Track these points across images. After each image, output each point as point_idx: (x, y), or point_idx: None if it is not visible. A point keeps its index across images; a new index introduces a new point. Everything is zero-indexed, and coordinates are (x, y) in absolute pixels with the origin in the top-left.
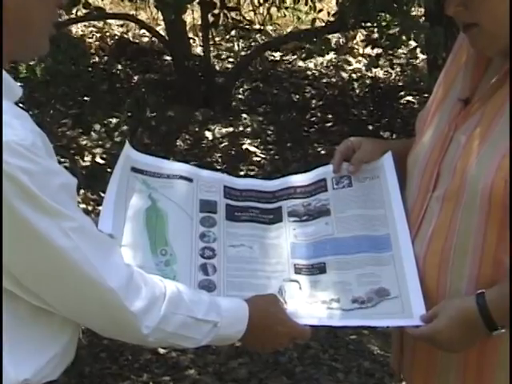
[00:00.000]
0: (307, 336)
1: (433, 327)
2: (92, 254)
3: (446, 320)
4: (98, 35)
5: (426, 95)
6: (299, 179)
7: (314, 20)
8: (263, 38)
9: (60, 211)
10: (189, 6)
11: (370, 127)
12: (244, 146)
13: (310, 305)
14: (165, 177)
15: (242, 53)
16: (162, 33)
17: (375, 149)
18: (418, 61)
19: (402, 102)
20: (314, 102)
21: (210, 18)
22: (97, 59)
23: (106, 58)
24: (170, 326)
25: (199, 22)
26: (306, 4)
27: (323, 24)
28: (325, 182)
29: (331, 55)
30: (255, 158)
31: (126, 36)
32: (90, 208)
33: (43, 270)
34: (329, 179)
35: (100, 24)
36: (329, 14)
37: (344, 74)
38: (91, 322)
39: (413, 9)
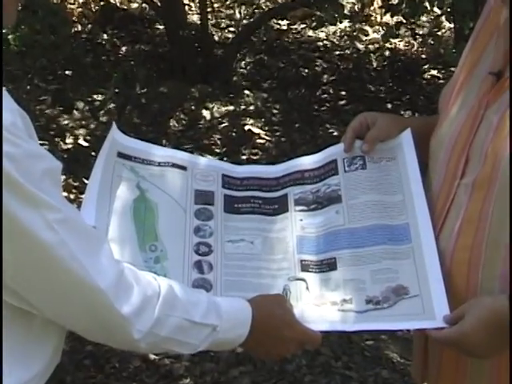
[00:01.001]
0: (318, 342)
1: (458, 330)
2: (79, 249)
3: (475, 321)
4: (81, 0)
5: (453, 69)
6: (306, 162)
7: None
8: (268, 4)
9: (44, 200)
10: None
11: (389, 105)
12: (246, 127)
13: (319, 307)
14: (155, 164)
15: (244, 21)
16: None
17: (393, 125)
18: (443, 30)
19: (425, 76)
20: (325, 76)
21: None
22: (79, 28)
23: (89, 26)
24: (164, 329)
25: None
26: None
27: None
28: (335, 164)
29: (345, 24)
30: (259, 141)
31: (112, 1)
32: (71, 196)
33: (25, 266)
34: (340, 160)
35: None
36: None
37: (359, 46)
38: (77, 325)
39: None
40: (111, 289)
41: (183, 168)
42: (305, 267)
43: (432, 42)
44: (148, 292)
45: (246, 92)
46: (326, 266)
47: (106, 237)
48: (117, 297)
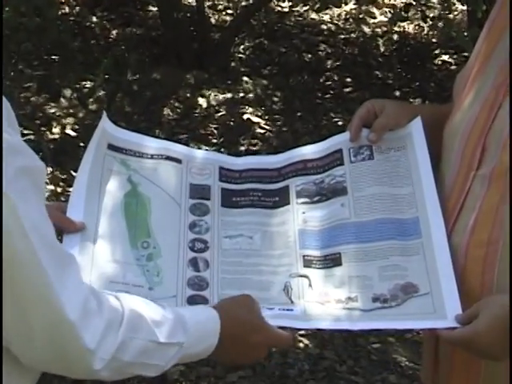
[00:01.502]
0: (289, 342)
1: (471, 329)
2: (50, 265)
3: (489, 320)
4: None
5: (466, 54)
6: (310, 151)
7: None
8: None
9: (14, 204)
10: None
11: (397, 93)
12: (245, 116)
13: (322, 305)
14: (148, 157)
15: (243, 3)
16: None
17: (402, 113)
18: (455, 13)
19: (435, 62)
20: (329, 62)
21: None
22: (67, 10)
23: (77, 8)
24: (128, 353)
25: None
26: None
27: None
28: (340, 154)
29: (350, 5)
30: (258, 130)
31: None
32: (58, 190)
33: None
34: (345, 150)
35: None
36: None
37: (366, 29)
38: (30, 353)
39: None
40: (78, 318)
41: (178, 161)
42: (307, 263)
43: (443, 26)
44: (111, 316)
45: (245, 78)
46: (330, 262)
47: (75, 258)
48: (82, 327)
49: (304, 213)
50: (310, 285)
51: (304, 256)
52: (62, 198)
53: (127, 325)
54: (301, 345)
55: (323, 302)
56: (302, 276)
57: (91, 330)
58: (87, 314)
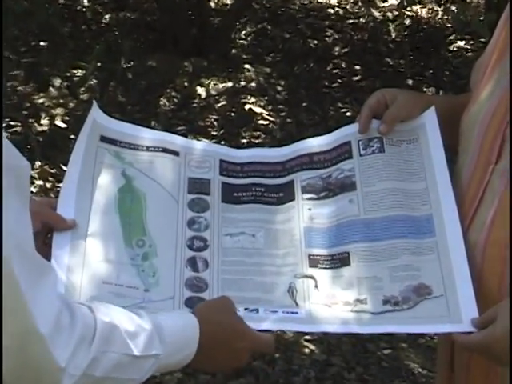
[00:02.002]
0: (271, 347)
1: (489, 334)
2: (23, 274)
3: (508, 324)
4: None
5: (483, 40)
6: (316, 143)
7: None
8: None
9: None
10: None
11: (410, 81)
12: (247, 106)
13: (329, 307)
14: (143, 149)
15: None
16: None
17: (414, 103)
18: None
19: (450, 48)
20: (336, 48)
21: None
22: None
23: None
24: (100, 369)
25: None
26: None
27: None
28: (349, 147)
29: None
30: (261, 122)
31: None
32: (48, 185)
33: None
34: (354, 142)
35: None
36: None
37: (376, 13)
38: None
39: None
40: (50, 333)
41: (175, 153)
42: (313, 263)
43: (459, 10)
44: (83, 331)
45: (247, 66)
46: (338, 262)
47: (52, 268)
48: (54, 343)
49: (310, 209)
50: (316, 286)
51: (310, 255)
52: (52, 194)
53: (100, 339)
54: (306, 350)
55: (330, 304)
56: (307, 277)
57: (62, 346)
58: (59, 328)
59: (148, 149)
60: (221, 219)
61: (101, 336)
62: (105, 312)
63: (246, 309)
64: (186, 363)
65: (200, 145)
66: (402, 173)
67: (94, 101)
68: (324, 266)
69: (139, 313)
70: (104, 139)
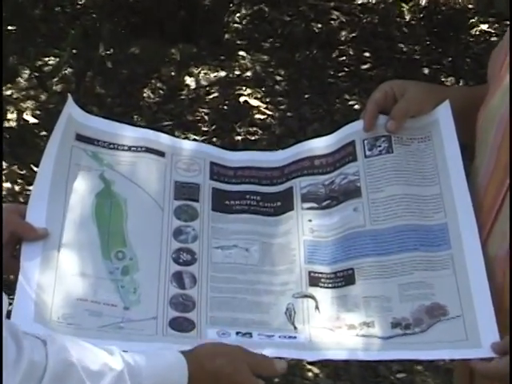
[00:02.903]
0: None
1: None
2: None
3: None
4: None
5: (509, 22)
6: (317, 145)
7: None
8: None
9: None
10: None
11: (426, 70)
12: (242, 99)
13: (332, 332)
14: (124, 149)
15: None
16: None
17: (426, 97)
18: None
19: (472, 32)
20: (343, 33)
21: None
22: None
23: None
24: None
25: None
26: None
27: None
28: (353, 147)
29: None
30: (258, 116)
31: None
32: (16, 188)
33: None
34: (359, 142)
35: None
36: None
37: None
38: None
39: None
40: None
41: (160, 154)
42: (314, 281)
43: None
44: (28, 367)
45: (242, 53)
46: (342, 280)
47: (1, 295)
48: None
49: (310, 220)
50: (317, 307)
51: (310, 273)
52: (21, 199)
53: (51, 378)
54: (309, 374)
55: (333, 328)
56: (307, 297)
57: (8, 379)
58: (3, 363)
59: (130, 149)
60: (211, 230)
61: (52, 375)
62: (62, 347)
63: (238, 333)
64: None
65: (188, 144)
66: (412, 176)
67: (69, 94)
68: (326, 285)
69: (111, 350)
70: (80, 138)
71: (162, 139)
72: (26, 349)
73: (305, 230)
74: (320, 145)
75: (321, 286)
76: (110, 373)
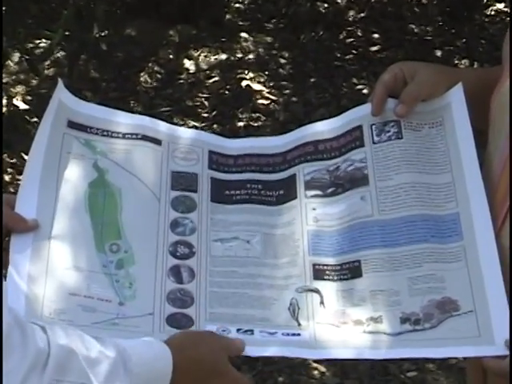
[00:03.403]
0: None
1: None
2: None
3: None
4: None
5: None
6: (321, 129)
7: None
8: None
9: None
10: None
11: (438, 52)
12: (244, 83)
13: (338, 328)
14: (119, 136)
15: None
16: None
17: (438, 79)
18: None
19: (487, 12)
20: (351, 13)
21: None
22: None
23: None
24: None
25: None
26: None
27: None
28: (360, 132)
29: None
30: (261, 101)
31: None
32: (6, 178)
33: None
34: (366, 127)
35: None
36: None
37: None
38: None
39: None
40: None
41: (157, 142)
42: (319, 274)
43: None
44: (35, 353)
45: (244, 35)
46: (348, 272)
47: (1, 280)
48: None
49: (315, 209)
50: (322, 302)
51: (315, 265)
52: (11, 189)
53: (54, 366)
54: (316, 373)
55: (339, 324)
56: (311, 291)
57: (11, 370)
58: (8, 349)
59: (124, 136)
60: (210, 221)
61: (55, 362)
62: (61, 334)
63: (238, 330)
64: None
65: (186, 132)
66: (423, 163)
67: (60, 79)
68: (331, 278)
69: (102, 339)
70: (72, 125)
71: (159, 126)
72: (30, 335)
73: (309, 220)
74: (324, 128)
75: (326, 279)
76: (106, 360)
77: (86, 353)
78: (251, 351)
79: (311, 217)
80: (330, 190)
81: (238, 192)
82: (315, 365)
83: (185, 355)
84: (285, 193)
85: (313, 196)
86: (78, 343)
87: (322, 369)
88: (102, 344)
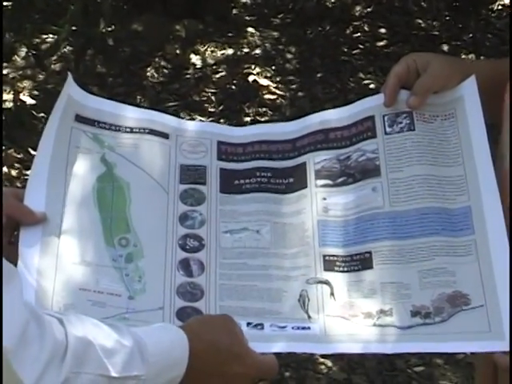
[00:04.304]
0: (274, 373)
1: None
2: None
3: None
4: None
5: None
6: (333, 117)
7: None
8: None
9: None
10: None
11: (445, 47)
12: (251, 78)
13: (347, 320)
14: (127, 130)
15: None
16: None
17: (451, 71)
18: None
19: (494, 7)
20: (358, 8)
21: None
22: None
23: None
24: None
25: None
26: None
27: None
28: (372, 123)
29: None
30: (268, 96)
31: None
32: (13, 173)
33: None
34: (378, 118)
35: None
36: None
37: None
38: None
39: None
40: (14, 345)
41: (164, 135)
42: (329, 265)
43: None
44: (53, 346)
45: (250, 30)
46: (358, 264)
47: (17, 272)
48: (18, 357)
49: (325, 199)
50: (333, 294)
51: (325, 256)
52: (18, 184)
53: (72, 357)
54: (322, 368)
55: (348, 316)
56: (321, 282)
57: (29, 363)
58: (26, 342)
59: (132, 130)
60: (219, 213)
61: (73, 354)
62: (78, 325)
63: (248, 324)
64: None
65: (194, 125)
66: (435, 156)
67: (69, 73)
68: (341, 269)
69: (118, 327)
70: (80, 119)
71: (166, 120)
72: (47, 326)
73: (319, 210)
74: (335, 117)
75: (336, 271)
76: (123, 349)
77: (103, 343)
78: (259, 347)
79: (321, 207)
80: (340, 180)
81: (247, 181)
82: (322, 360)
83: (201, 340)
84: (294, 181)
85: (323, 185)
86: (94, 334)
87: (329, 364)
88: (119, 333)
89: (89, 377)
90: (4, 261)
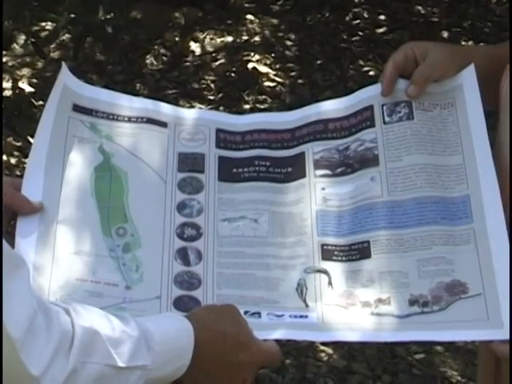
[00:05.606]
0: (278, 361)
1: None
2: None
3: None
4: None
5: None
6: (331, 107)
7: None
8: None
9: None
10: None
11: (445, 34)
12: (250, 65)
13: (346, 309)
14: (124, 119)
15: None
16: None
17: (450, 59)
18: None
19: None
20: None
21: None
22: None
23: None
24: (80, 383)
25: None
26: None
27: None
28: (371, 113)
29: None
30: (267, 84)
31: None
32: (12, 161)
33: None
34: (377, 107)
35: None
36: None
37: None
38: None
39: None
40: (21, 335)
41: (163, 124)
42: (327, 254)
43: None
44: (60, 336)
45: (250, 17)
46: (357, 253)
47: (24, 262)
48: (26, 348)
49: (324, 189)
50: (330, 283)
51: (323, 245)
52: (18, 172)
53: (79, 347)
54: (323, 355)
55: (346, 305)
56: (320, 271)
57: (37, 353)
58: (33, 332)
59: (130, 119)
60: (217, 201)
61: (80, 344)
62: (84, 315)
63: (246, 312)
64: (178, 377)
65: (192, 113)
66: (434, 145)
67: (64, 62)
68: (340, 259)
69: (124, 317)
70: (77, 108)
71: (164, 109)
72: (54, 317)
73: (317, 199)
74: (334, 107)
75: (334, 260)
76: (129, 339)
77: (110, 333)
78: (258, 335)
79: (320, 197)
80: (339, 170)
81: (245, 169)
82: (322, 347)
83: (207, 329)
84: (293, 170)
85: (322, 175)
86: (101, 323)
87: (330, 351)
88: (125, 323)
89: (95, 367)
90: (12, 250)
